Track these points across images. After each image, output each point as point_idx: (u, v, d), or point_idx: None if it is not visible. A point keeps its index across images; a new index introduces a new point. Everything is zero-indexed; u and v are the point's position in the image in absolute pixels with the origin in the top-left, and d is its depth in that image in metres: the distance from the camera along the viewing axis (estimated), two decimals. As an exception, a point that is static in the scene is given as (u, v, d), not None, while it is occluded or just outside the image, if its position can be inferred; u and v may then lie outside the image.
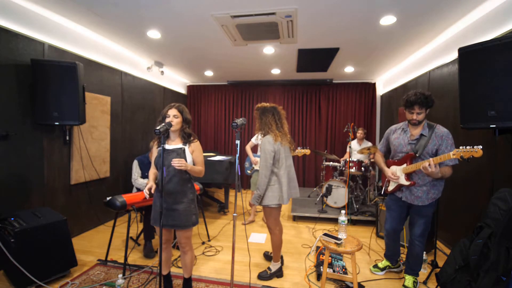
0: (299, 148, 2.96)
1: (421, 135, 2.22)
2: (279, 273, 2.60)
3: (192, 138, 2.12)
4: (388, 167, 2.42)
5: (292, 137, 2.75)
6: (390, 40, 3.65)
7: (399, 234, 2.59)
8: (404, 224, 2.54)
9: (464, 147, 1.89)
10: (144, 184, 3.42)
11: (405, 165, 2.27)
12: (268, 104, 2.59)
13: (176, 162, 1.88)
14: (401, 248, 2.79)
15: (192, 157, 2.10)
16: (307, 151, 3.04)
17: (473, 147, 1.85)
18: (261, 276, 2.59)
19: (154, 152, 2.15)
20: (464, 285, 1.92)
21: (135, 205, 2.66)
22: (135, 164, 3.56)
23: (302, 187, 6.24)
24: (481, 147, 1.84)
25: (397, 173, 2.32)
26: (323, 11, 2.89)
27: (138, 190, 3.50)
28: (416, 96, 2.14)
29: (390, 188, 2.44)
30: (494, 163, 2.33)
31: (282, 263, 2.81)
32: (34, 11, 2.90)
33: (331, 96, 6.26)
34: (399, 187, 2.35)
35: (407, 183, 2.24)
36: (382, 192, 2.56)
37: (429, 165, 1.98)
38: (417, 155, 2.19)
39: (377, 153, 2.62)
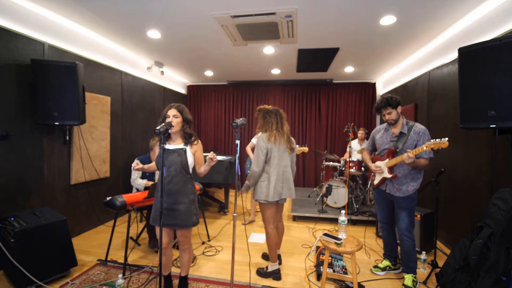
0: (297, 146, 2.95)
1: (401, 133, 2.42)
2: (276, 275, 2.58)
3: (193, 139, 2.12)
4: (374, 162, 2.61)
5: (292, 137, 2.75)
6: (390, 40, 3.65)
7: (392, 226, 2.67)
8: (393, 215, 2.63)
9: (434, 139, 2.09)
10: (143, 184, 3.41)
11: (387, 160, 2.47)
12: (271, 106, 2.70)
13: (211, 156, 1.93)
14: (399, 247, 2.80)
15: (193, 157, 2.10)
16: (305, 149, 3.05)
17: (441, 139, 2.04)
18: (258, 272, 2.65)
19: (156, 151, 2.16)
20: (464, 285, 1.93)
21: (135, 205, 2.66)
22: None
23: (302, 187, 6.24)
24: (447, 139, 2.03)
25: (381, 167, 2.52)
26: (323, 11, 2.89)
27: (138, 190, 3.50)
28: (378, 102, 2.46)
29: (376, 182, 2.63)
30: (494, 163, 2.33)
31: (280, 263, 2.82)
32: (34, 11, 2.90)
33: (331, 96, 6.26)
34: (383, 180, 2.52)
35: (389, 175, 2.44)
36: (368, 186, 2.68)
37: (408, 156, 2.17)
38: (397, 150, 2.40)
39: (364, 151, 2.82)
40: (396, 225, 2.52)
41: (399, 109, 2.42)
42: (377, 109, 2.48)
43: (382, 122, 5.97)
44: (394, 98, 2.38)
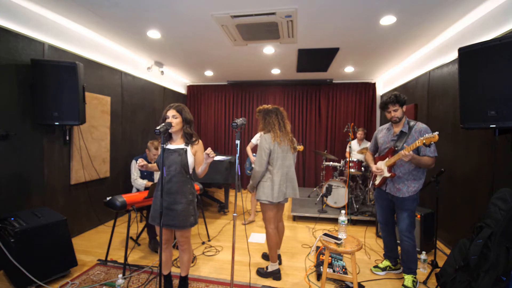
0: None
1: (401, 131, 2.42)
2: (276, 275, 2.58)
3: (194, 139, 2.11)
4: (376, 163, 2.59)
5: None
6: (390, 40, 3.65)
7: (393, 226, 2.67)
8: (394, 215, 2.65)
9: (427, 134, 2.09)
10: (143, 184, 3.41)
11: (387, 159, 2.45)
12: (270, 106, 2.67)
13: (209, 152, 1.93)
14: (399, 247, 2.80)
15: (194, 158, 2.10)
16: (301, 147, 3.08)
17: (432, 134, 2.04)
18: (259, 272, 2.65)
19: (154, 152, 2.16)
20: (464, 285, 1.93)
21: (135, 205, 2.66)
22: (133, 164, 3.55)
23: (302, 187, 6.23)
24: (437, 132, 2.02)
25: (381, 167, 2.49)
26: (323, 11, 2.89)
27: (138, 190, 3.50)
28: (386, 97, 2.44)
29: (377, 182, 2.62)
30: (494, 163, 2.33)
31: (280, 263, 2.82)
32: (34, 11, 2.90)
33: (331, 96, 6.26)
34: (384, 180, 2.50)
35: (388, 174, 2.43)
36: (370, 186, 2.69)
37: (404, 154, 2.16)
38: (396, 149, 2.39)
39: (367, 152, 2.80)
40: (397, 226, 2.51)
41: (405, 108, 2.43)
42: (384, 104, 2.46)
43: (382, 121, 6.00)
44: (403, 96, 2.40)
